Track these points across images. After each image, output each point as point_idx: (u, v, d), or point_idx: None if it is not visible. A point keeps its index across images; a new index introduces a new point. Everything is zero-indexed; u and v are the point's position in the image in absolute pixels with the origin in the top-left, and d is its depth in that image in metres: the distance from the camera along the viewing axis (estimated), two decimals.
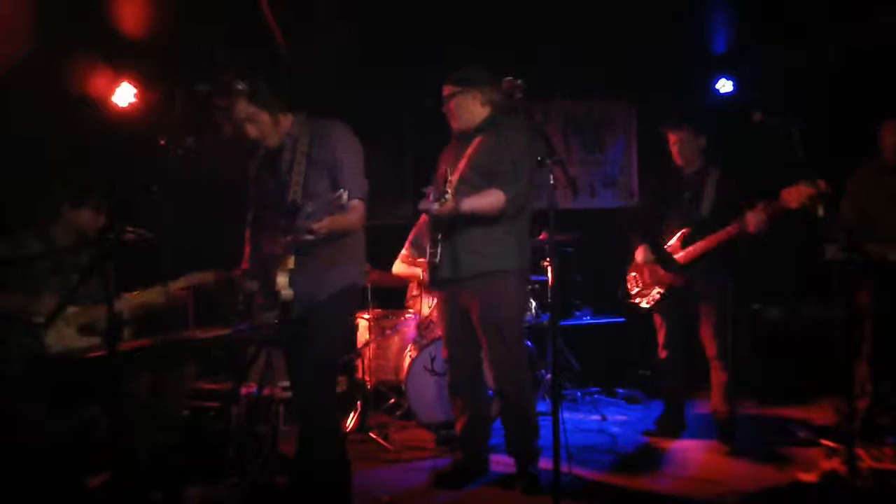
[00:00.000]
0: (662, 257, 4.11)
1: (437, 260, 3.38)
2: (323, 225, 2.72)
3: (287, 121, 3.03)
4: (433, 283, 3.51)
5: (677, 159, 4.19)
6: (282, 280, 2.90)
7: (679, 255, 4.04)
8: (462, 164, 3.43)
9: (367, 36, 5.29)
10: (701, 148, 4.15)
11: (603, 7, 5.15)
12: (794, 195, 3.53)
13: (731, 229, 3.83)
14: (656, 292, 4.16)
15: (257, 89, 2.92)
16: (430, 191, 3.25)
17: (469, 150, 3.45)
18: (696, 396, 4.89)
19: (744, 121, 3.48)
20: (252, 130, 2.97)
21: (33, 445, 2.97)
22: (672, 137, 4.19)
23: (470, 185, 3.34)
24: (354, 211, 2.95)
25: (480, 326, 3.44)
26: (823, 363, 4.69)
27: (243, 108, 2.92)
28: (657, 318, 4.26)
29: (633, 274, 4.30)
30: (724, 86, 5.93)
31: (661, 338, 4.24)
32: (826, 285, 3.77)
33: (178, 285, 3.45)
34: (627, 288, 4.33)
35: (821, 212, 3.49)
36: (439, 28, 5.27)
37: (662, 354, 4.24)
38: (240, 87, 2.88)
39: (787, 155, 3.27)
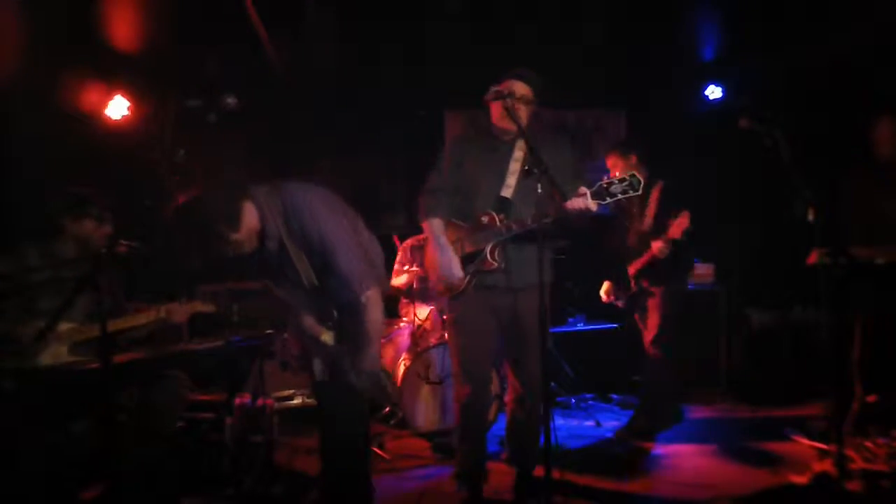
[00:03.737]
0: (619, 286, 4.57)
1: (501, 265, 3.27)
2: (366, 363, 2.75)
3: (250, 215, 2.71)
4: (478, 288, 3.33)
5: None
6: (326, 336, 2.90)
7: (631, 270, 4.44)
8: (517, 167, 3.31)
9: (359, 43, 5.33)
10: (633, 166, 4.32)
11: (593, 15, 5.21)
12: (676, 229, 4.08)
13: (646, 257, 4.29)
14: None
15: (211, 240, 2.65)
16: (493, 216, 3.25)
17: (520, 155, 3.32)
18: (689, 401, 4.90)
19: (733, 127, 3.52)
20: (233, 252, 2.75)
21: (29, 458, 2.97)
22: (610, 159, 4.47)
23: (530, 190, 3.18)
24: (372, 303, 2.84)
25: (528, 336, 3.32)
26: (814, 366, 4.73)
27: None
28: (638, 321, 4.53)
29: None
30: (714, 92, 5.98)
31: (645, 339, 4.50)
32: (816, 289, 3.80)
33: (175, 310, 3.45)
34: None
35: (811, 216, 3.53)
36: (434, 33, 5.31)
37: (649, 351, 4.46)
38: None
39: (774, 160, 3.31)
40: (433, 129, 6.04)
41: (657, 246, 4.19)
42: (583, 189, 3.05)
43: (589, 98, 6.29)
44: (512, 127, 3.25)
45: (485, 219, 3.30)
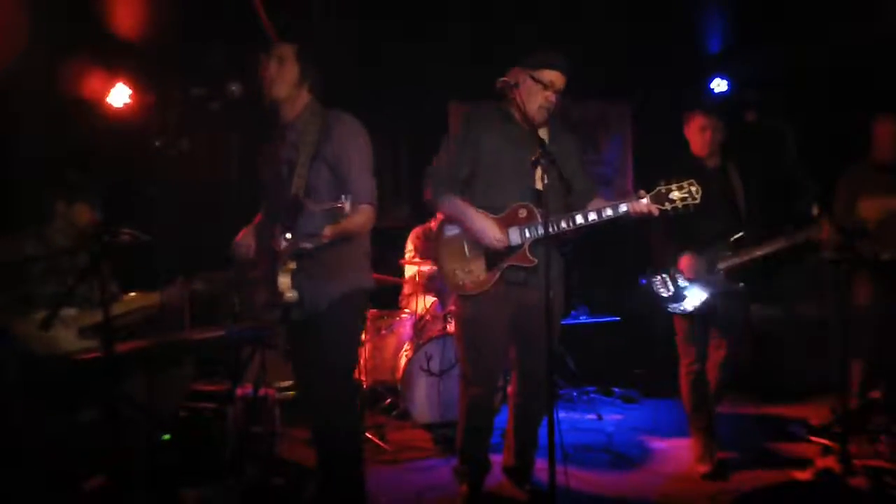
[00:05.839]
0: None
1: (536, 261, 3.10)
2: (325, 235, 2.68)
3: (303, 98, 2.94)
4: (509, 284, 3.15)
5: (702, 148, 3.75)
6: (284, 281, 2.79)
7: (737, 261, 3.68)
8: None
9: (365, 34, 5.29)
10: (718, 139, 3.76)
11: (598, 7, 5.17)
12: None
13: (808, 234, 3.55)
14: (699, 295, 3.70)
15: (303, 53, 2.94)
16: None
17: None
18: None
19: (739, 120, 3.50)
20: (280, 87, 2.93)
21: (31, 448, 2.96)
22: (703, 121, 3.73)
23: (554, 185, 3.06)
24: (362, 214, 2.83)
25: (537, 332, 3.07)
26: (818, 362, 4.72)
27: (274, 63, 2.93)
28: (683, 323, 3.76)
29: (664, 276, 3.74)
30: (719, 85, 5.95)
31: (693, 347, 3.75)
32: (821, 285, 3.78)
33: (171, 291, 3.44)
34: (659, 292, 3.77)
35: (815, 211, 3.52)
36: (437, 27, 5.28)
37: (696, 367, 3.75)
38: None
39: (781, 154, 3.29)
40: (438, 120, 6.02)
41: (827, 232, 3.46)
42: (642, 192, 3.00)
43: (593, 90, 6.25)
44: (545, 119, 3.16)
45: (523, 212, 3.12)
